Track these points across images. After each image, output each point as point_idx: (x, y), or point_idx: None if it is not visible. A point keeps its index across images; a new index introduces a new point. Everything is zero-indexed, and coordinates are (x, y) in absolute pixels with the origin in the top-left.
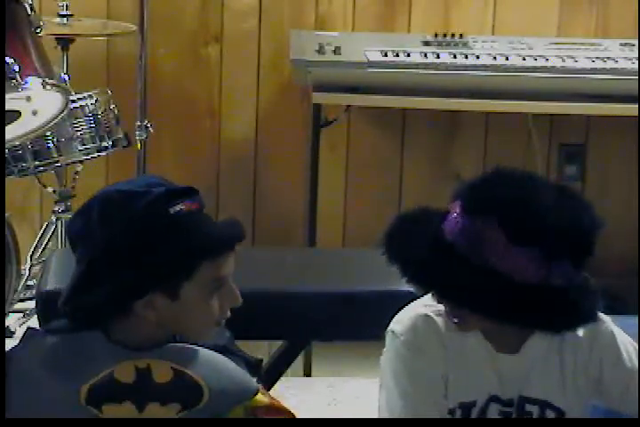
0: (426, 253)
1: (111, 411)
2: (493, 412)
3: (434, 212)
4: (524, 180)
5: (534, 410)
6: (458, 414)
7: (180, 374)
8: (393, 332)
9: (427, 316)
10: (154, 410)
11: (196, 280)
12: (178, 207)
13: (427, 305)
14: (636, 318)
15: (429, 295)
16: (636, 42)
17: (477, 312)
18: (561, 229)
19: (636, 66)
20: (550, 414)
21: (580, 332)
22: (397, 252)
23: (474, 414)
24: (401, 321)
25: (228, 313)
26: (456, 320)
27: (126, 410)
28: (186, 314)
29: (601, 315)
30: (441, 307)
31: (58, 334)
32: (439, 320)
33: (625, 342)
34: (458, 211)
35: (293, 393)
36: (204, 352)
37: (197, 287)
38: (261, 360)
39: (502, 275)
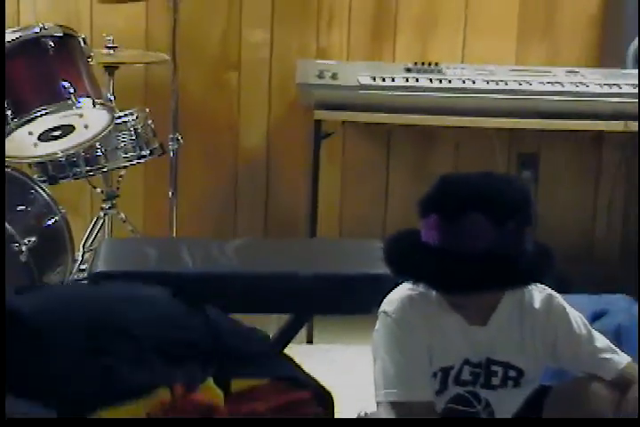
0: (407, 253)
1: None
2: (466, 373)
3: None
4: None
5: (499, 370)
6: (439, 377)
7: None
8: (384, 312)
9: (412, 297)
10: None
11: None
12: None
13: (410, 288)
14: (581, 297)
15: None
16: (580, 70)
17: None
18: (488, 199)
19: (580, 89)
20: (512, 373)
21: (537, 304)
22: (392, 261)
23: (451, 375)
24: (390, 302)
25: None
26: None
27: None
28: None
29: (553, 292)
30: (423, 290)
31: None
32: (422, 300)
33: (574, 314)
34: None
35: (298, 358)
36: None
37: None
38: None
39: (456, 247)
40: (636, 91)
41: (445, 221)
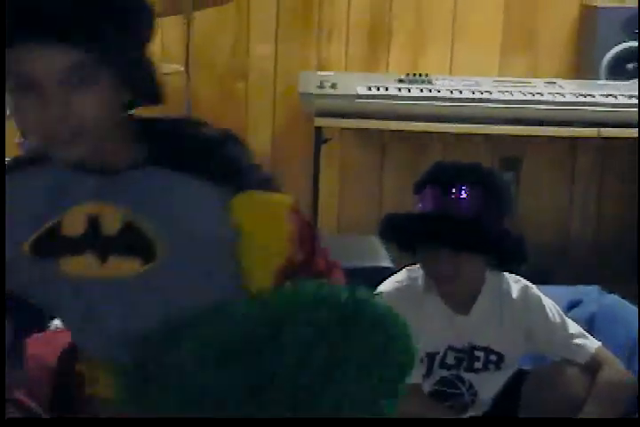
0: (400, 220)
1: (69, 263)
2: (451, 357)
3: None
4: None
5: (481, 355)
6: (425, 361)
7: (129, 227)
8: None
9: (400, 288)
10: (116, 262)
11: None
12: None
13: (398, 280)
14: (558, 288)
15: (402, 272)
16: (558, 81)
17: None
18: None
19: (558, 99)
20: (493, 358)
21: (514, 295)
22: (386, 232)
23: (437, 360)
24: (380, 293)
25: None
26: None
27: (86, 262)
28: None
29: (529, 283)
30: (410, 282)
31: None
32: (409, 291)
33: (549, 303)
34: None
35: None
36: (172, 185)
37: (8, 87)
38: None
39: (443, 212)
40: (609, 100)
41: (436, 190)
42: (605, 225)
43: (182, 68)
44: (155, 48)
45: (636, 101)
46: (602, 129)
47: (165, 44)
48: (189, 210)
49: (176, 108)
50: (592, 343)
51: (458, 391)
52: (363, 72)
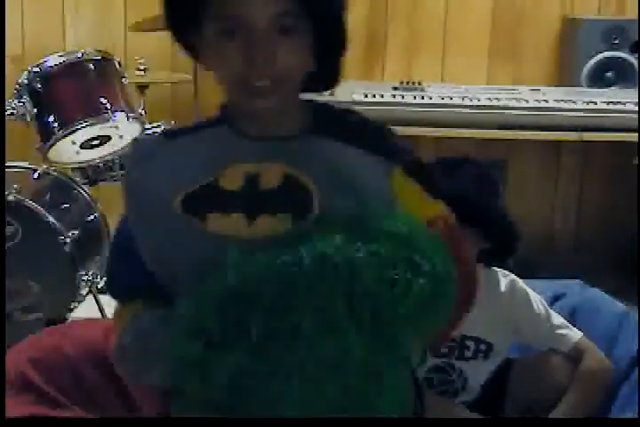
0: None
1: (217, 222)
2: (443, 346)
3: None
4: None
5: (471, 344)
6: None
7: (289, 180)
8: None
9: None
10: (264, 222)
11: (205, 27)
12: None
13: None
14: (542, 282)
15: None
16: (542, 88)
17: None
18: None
19: (541, 105)
20: (482, 347)
21: (502, 288)
22: None
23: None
24: None
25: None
26: None
27: (234, 222)
28: (212, 70)
29: (516, 277)
30: None
31: (172, 135)
32: None
33: (534, 296)
34: None
35: None
36: (337, 152)
37: (206, 36)
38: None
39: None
40: (590, 106)
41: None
42: (587, 222)
43: (190, 77)
44: (165, 58)
45: (615, 107)
46: (583, 133)
47: (175, 54)
48: (353, 173)
49: (185, 115)
50: (575, 334)
51: (449, 378)
52: (359, 80)
